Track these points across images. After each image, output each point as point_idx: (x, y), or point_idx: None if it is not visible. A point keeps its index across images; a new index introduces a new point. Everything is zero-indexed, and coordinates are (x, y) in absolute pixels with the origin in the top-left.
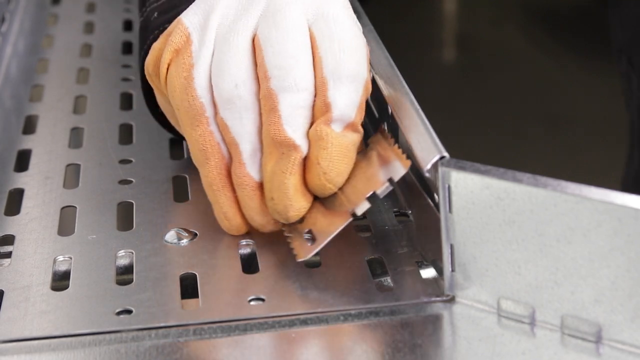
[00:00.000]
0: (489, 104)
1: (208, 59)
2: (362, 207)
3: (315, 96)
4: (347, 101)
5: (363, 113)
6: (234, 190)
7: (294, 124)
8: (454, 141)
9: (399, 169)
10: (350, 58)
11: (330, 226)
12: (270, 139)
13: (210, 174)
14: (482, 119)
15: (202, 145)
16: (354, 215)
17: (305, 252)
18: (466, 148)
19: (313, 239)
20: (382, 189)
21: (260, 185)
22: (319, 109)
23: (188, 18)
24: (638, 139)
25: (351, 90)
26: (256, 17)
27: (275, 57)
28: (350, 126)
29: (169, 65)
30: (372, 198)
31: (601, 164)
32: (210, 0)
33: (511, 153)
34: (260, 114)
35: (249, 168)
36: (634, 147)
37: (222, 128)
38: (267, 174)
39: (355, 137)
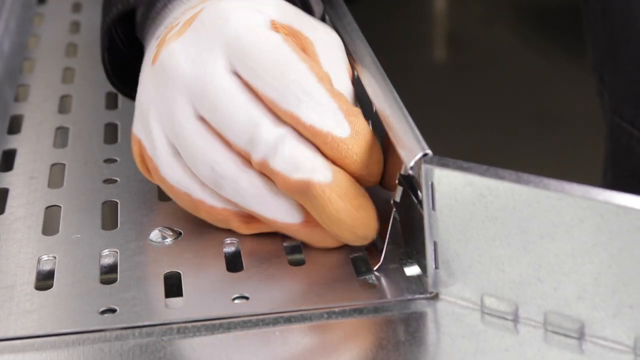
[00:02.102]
0: (479, 102)
1: (165, 154)
2: (397, 193)
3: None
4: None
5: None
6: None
7: (296, 162)
8: (445, 140)
9: None
10: (273, 74)
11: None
12: (292, 194)
13: (241, 229)
14: (473, 117)
15: (213, 221)
16: (395, 203)
17: (374, 261)
18: (457, 147)
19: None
20: (404, 168)
21: (305, 224)
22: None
23: (135, 126)
24: (611, 155)
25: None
26: (183, 101)
27: (229, 130)
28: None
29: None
30: (402, 179)
31: (592, 162)
32: (144, 105)
33: (502, 151)
34: (253, 170)
35: (288, 218)
36: (607, 161)
37: (231, 203)
38: (325, 224)
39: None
